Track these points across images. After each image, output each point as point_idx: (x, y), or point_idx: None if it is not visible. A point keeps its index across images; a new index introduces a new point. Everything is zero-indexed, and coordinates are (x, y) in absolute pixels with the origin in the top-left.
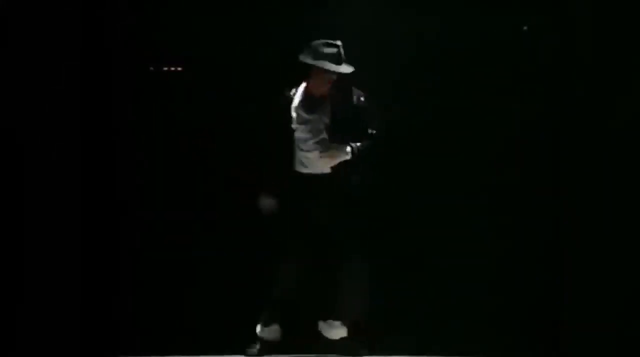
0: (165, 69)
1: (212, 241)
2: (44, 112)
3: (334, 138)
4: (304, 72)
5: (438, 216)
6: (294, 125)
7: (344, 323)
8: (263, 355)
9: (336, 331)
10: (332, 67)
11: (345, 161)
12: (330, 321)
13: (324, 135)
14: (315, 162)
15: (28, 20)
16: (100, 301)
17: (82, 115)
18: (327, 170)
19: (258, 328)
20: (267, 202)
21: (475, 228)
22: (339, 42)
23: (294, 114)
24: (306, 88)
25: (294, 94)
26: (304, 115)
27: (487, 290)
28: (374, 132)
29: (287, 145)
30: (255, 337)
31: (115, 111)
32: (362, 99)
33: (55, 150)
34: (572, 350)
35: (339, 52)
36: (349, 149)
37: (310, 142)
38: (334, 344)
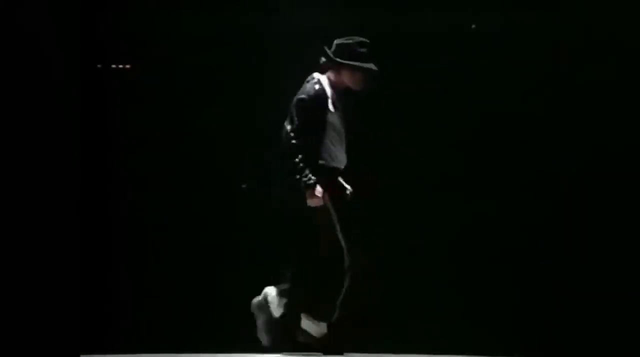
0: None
1: (209, 239)
2: (41, 112)
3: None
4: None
5: (439, 216)
6: (329, 119)
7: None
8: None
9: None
10: (373, 66)
11: None
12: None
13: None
14: (342, 157)
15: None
16: (95, 298)
17: (80, 117)
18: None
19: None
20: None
21: (475, 228)
22: (366, 40)
23: (331, 109)
24: (336, 84)
25: (320, 87)
26: (336, 111)
27: (487, 289)
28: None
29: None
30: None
31: (112, 112)
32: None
33: (54, 149)
34: (572, 349)
35: (370, 51)
36: None
37: (342, 137)
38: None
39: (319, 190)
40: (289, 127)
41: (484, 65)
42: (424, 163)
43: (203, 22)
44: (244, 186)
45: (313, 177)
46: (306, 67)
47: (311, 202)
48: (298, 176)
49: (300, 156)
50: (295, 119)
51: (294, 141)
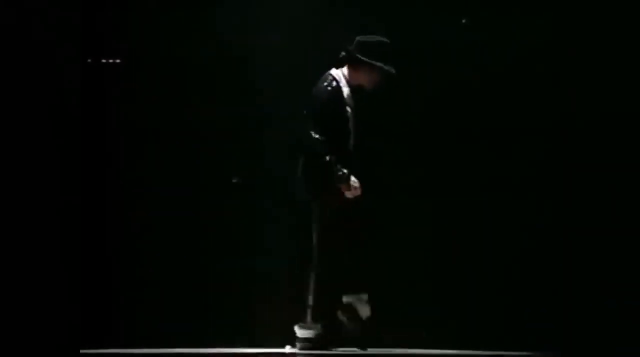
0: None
1: (207, 233)
2: (42, 112)
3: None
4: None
5: (444, 214)
6: (348, 116)
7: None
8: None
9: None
10: (392, 69)
11: None
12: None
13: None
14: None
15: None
16: (95, 293)
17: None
18: None
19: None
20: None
21: (480, 227)
22: (387, 40)
23: (348, 106)
24: (351, 80)
25: (335, 85)
26: (350, 108)
27: (492, 287)
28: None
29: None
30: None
31: (112, 111)
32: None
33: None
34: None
35: (390, 52)
36: None
37: (352, 133)
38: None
39: (354, 180)
40: (311, 131)
41: (486, 66)
42: (428, 161)
43: (202, 18)
44: (234, 180)
45: (345, 170)
46: (304, 63)
47: (350, 194)
48: (330, 173)
49: (327, 153)
50: (316, 121)
51: (319, 142)
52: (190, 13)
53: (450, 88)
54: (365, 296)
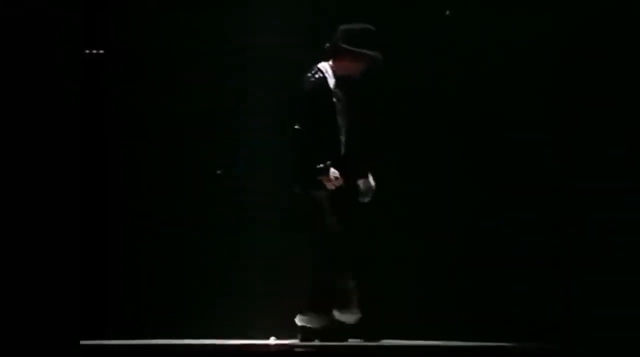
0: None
1: (204, 228)
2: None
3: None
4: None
5: (447, 213)
6: (333, 107)
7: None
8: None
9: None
10: (374, 54)
11: None
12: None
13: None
14: (339, 145)
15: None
16: (94, 285)
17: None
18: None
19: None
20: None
21: (475, 222)
22: (371, 27)
23: (334, 98)
24: (338, 70)
25: (321, 76)
26: (339, 97)
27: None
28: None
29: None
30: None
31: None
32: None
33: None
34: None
35: (374, 39)
36: None
37: (342, 124)
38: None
39: (333, 171)
40: (295, 124)
41: (483, 63)
42: (426, 159)
43: (201, 17)
44: (219, 172)
45: (326, 162)
46: (304, 62)
47: (330, 185)
48: (310, 165)
49: (309, 146)
50: (299, 112)
51: (301, 134)
52: (190, 12)
53: (448, 86)
54: (352, 283)
